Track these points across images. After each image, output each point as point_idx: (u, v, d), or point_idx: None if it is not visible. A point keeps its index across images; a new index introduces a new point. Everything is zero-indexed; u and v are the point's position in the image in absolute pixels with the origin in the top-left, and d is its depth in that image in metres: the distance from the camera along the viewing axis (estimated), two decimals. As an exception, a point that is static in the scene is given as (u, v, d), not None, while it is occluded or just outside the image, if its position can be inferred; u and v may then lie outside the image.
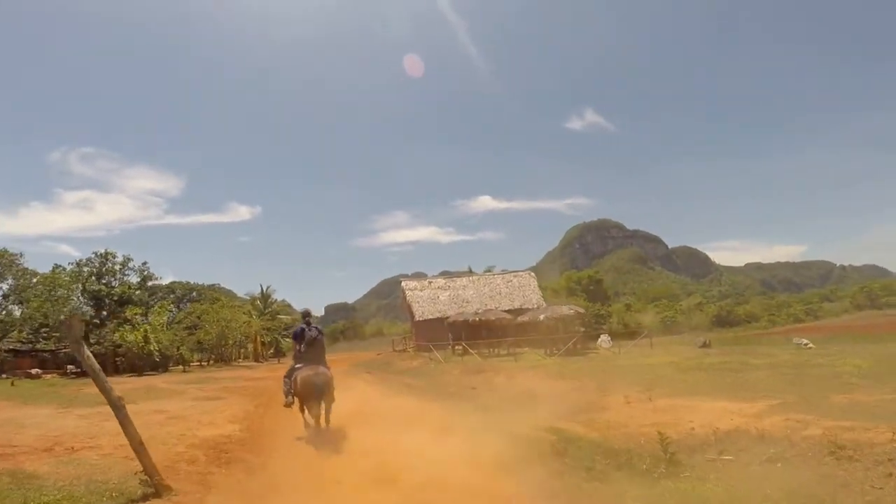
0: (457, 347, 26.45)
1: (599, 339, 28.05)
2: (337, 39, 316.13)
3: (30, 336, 34.79)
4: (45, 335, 35.31)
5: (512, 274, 36.40)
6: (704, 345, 22.82)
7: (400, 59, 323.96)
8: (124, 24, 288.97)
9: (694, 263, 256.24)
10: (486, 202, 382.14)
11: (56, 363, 33.26)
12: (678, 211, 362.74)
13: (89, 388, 17.43)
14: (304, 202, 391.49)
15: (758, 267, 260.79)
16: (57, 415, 10.39)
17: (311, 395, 7.60)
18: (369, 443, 7.15)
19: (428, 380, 18.35)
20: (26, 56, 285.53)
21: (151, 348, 28.22)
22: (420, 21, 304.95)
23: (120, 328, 29.55)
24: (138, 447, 5.12)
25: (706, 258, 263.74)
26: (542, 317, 22.46)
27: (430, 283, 35.05)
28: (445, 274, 54.14)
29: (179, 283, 65.76)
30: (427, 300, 33.35)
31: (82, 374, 30.20)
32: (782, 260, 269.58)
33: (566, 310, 23.47)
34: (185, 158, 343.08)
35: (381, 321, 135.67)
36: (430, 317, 32.19)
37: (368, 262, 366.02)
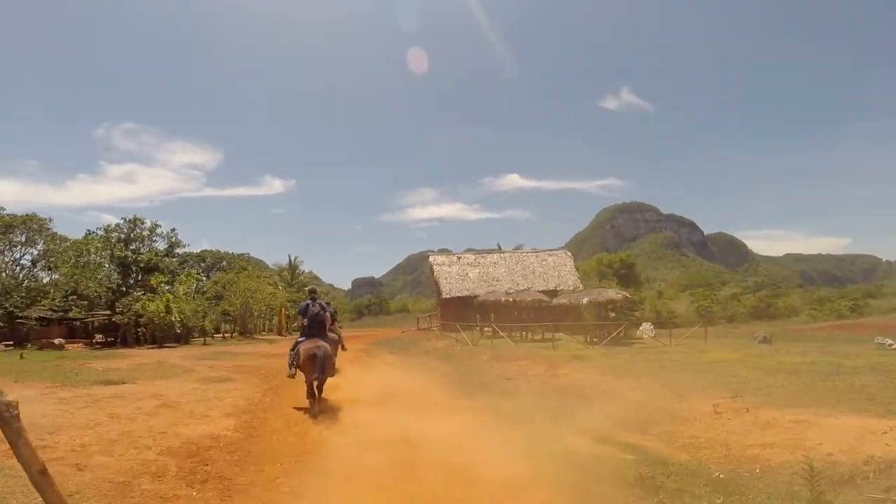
0: (486, 329, 24.77)
1: (641, 328, 25.96)
2: (365, 19, 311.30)
3: (61, 304, 34.64)
4: (73, 303, 35.20)
5: (546, 252, 34.25)
6: (765, 339, 20.45)
7: (427, 37, 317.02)
8: (159, 5, 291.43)
9: (729, 251, 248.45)
10: (514, 180, 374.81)
11: (86, 332, 33.00)
12: (716, 196, 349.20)
13: (96, 363, 16.40)
14: (335, 177, 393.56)
15: (797, 258, 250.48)
16: (38, 397, 9.09)
17: (310, 366, 8.11)
18: (384, 455, 5.51)
19: (456, 365, 16.70)
20: (70, 33, 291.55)
21: (173, 319, 27.37)
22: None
23: (143, 297, 28.79)
24: (37, 477, 3.49)
25: (743, 246, 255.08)
26: (585, 300, 20.42)
27: (458, 258, 33.27)
28: (471, 251, 52.32)
29: (210, 251, 65.56)
30: (455, 277, 31.64)
31: (108, 344, 29.87)
32: (824, 252, 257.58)
33: (612, 294, 21.31)
34: (223, 133, 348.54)
35: (406, 297, 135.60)
36: (458, 294, 30.54)
37: (395, 238, 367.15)
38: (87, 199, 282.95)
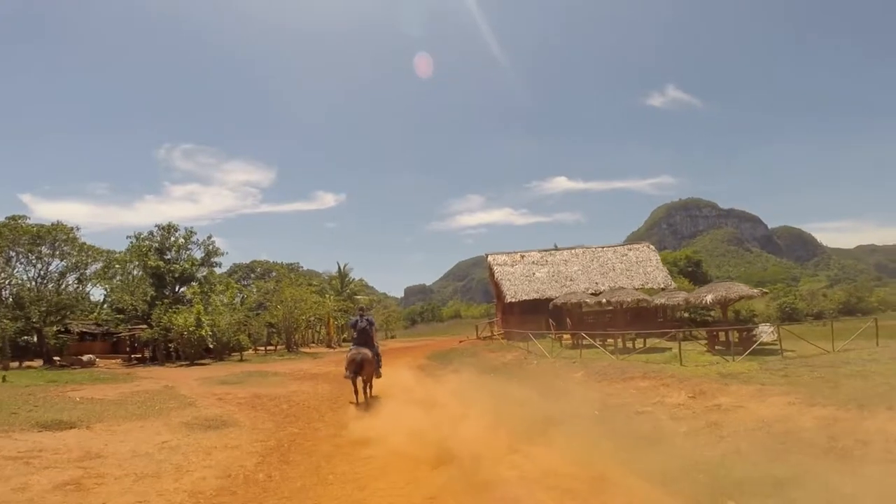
0: (565, 338, 20.19)
1: (758, 330, 20.62)
2: (409, 28, 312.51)
3: (108, 318, 32.69)
4: (110, 317, 33.27)
5: (627, 247, 29.20)
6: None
7: (472, 41, 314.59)
8: (210, 32, 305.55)
9: (797, 245, 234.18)
10: (561, 183, 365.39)
11: (132, 347, 30.75)
12: (778, 189, 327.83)
13: (84, 390, 12.63)
14: (383, 189, 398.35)
15: (871, 249, 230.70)
16: None
17: (352, 369, 9.61)
18: None
19: (543, 388, 12.22)
20: (126, 57, 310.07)
21: (203, 333, 24.28)
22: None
23: (171, 309, 25.98)
24: None
25: (812, 239, 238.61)
26: (709, 297, 15.44)
27: (522, 257, 28.68)
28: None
29: (259, 261, 63.75)
30: (520, 277, 27.13)
31: (143, 360, 27.24)
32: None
33: (744, 289, 16.15)
34: (275, 152, 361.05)
35: (457, 303, 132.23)
36: (525, 297, 26.01)
37: (444, 246, 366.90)
38: (154, 218, 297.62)
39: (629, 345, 16.93)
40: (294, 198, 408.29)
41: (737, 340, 16.43)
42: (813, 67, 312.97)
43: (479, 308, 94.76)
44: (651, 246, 29.38)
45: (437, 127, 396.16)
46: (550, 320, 22.91)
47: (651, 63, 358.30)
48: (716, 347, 15.82)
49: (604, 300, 18.33)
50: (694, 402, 9.15)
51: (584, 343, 17.34)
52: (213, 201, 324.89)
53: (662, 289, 24.91)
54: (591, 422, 8.60)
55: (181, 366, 23.03)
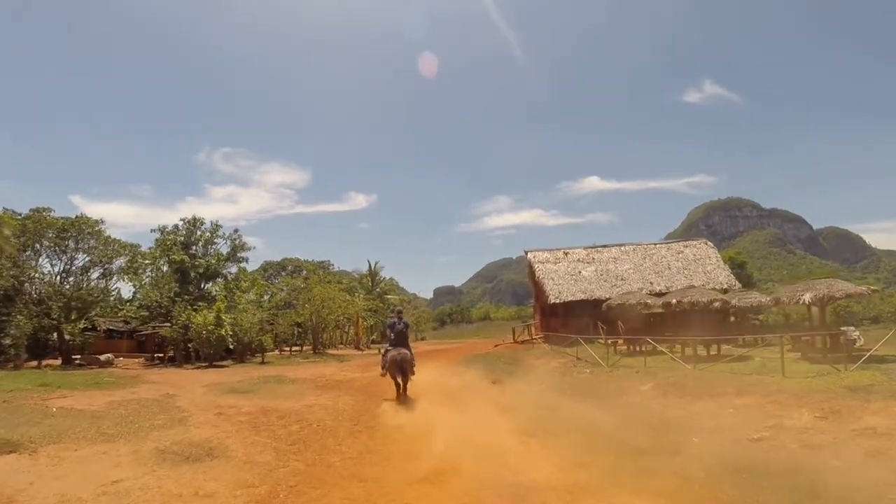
0: (619, 344, 17.76)
1: (849, 334, 17.77)
2: (437, 30, 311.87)
3: (136, 315, 31.84)
4: (134, 314, 32.39)
5: (683, 243, 26.38)
6: None
7: (499, 39, 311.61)
8: (243, 41, 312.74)
9: (844, 246, 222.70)
10: (593, 183, 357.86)
11: (160, 346, 29.72)
12: (824, 188, 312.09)
13: (72, 398, 10.73)
14: (412, 190, 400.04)
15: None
16: None
17: (395, 368, 10.26)
18: None
19: (610, 404, 9.95)
20: (171, 65, 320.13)
21: (223, 332, 22.79)
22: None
23: (192, 306, 24.62)
24: None
25: (860, 240, 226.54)
26: (807, 296, 12.76)
27: (566, 254, 26.19)
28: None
29: (290, 259, 62.92)
30: (565, 276, 24.68)
31: (163, 360, 26.04)
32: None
33: (848, 287, 13.41)
34: (310, 154, 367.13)
35: (487, 304, 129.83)
36: (570, 298, 23.57)
37: (473, 247, 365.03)
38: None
39: (700, 352, 14.43)
40: (328, 199, 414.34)
41: (827, 345, 13.80)
42: (857, 59, 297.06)
43: (509, 310, 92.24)
44: (709, 243, 26.43)
45: (463, 128, 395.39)
46: (600, 323, 20.52)
47: (687, 56, 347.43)
48: (810, 354, 13.18)
49: (674, 300, 15.79)
50: (828, 425, 6.77)
51: (642, 349, 14.95)
52: (251, 202, 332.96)
53: (726, 290, 22.12)
54: (695, 454, 6.30)
55: (199, 367, 21.60)
